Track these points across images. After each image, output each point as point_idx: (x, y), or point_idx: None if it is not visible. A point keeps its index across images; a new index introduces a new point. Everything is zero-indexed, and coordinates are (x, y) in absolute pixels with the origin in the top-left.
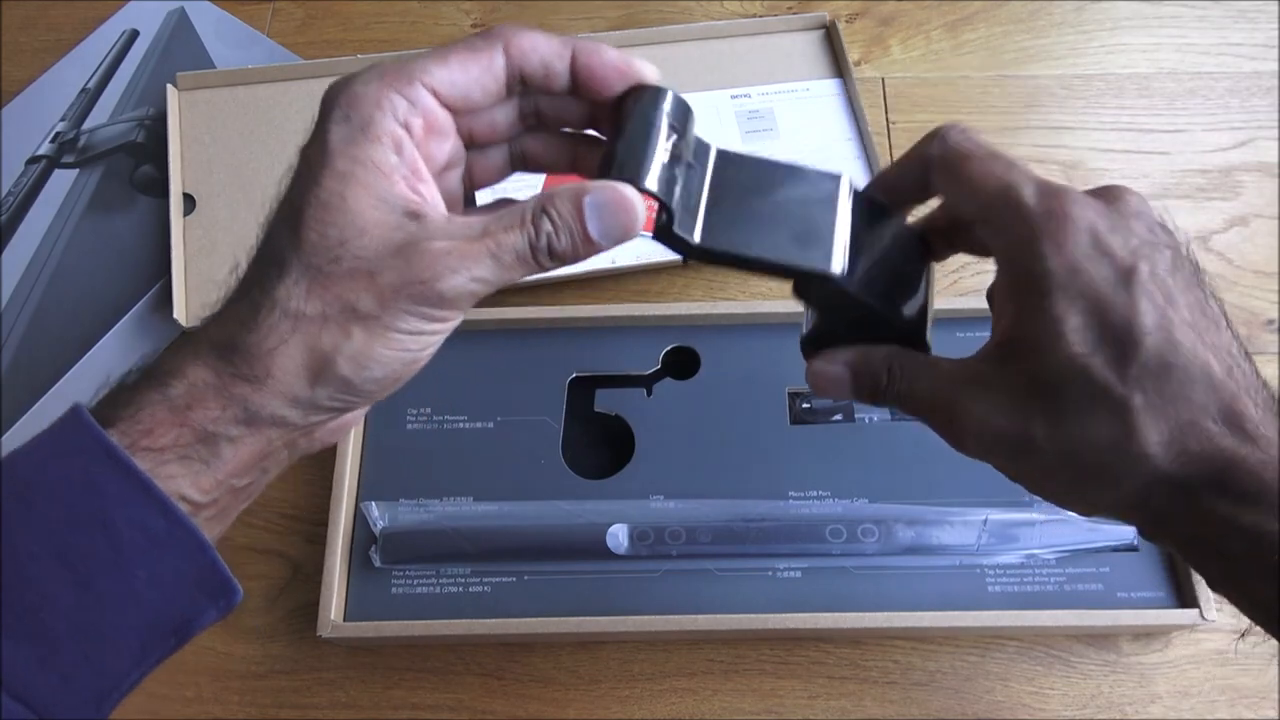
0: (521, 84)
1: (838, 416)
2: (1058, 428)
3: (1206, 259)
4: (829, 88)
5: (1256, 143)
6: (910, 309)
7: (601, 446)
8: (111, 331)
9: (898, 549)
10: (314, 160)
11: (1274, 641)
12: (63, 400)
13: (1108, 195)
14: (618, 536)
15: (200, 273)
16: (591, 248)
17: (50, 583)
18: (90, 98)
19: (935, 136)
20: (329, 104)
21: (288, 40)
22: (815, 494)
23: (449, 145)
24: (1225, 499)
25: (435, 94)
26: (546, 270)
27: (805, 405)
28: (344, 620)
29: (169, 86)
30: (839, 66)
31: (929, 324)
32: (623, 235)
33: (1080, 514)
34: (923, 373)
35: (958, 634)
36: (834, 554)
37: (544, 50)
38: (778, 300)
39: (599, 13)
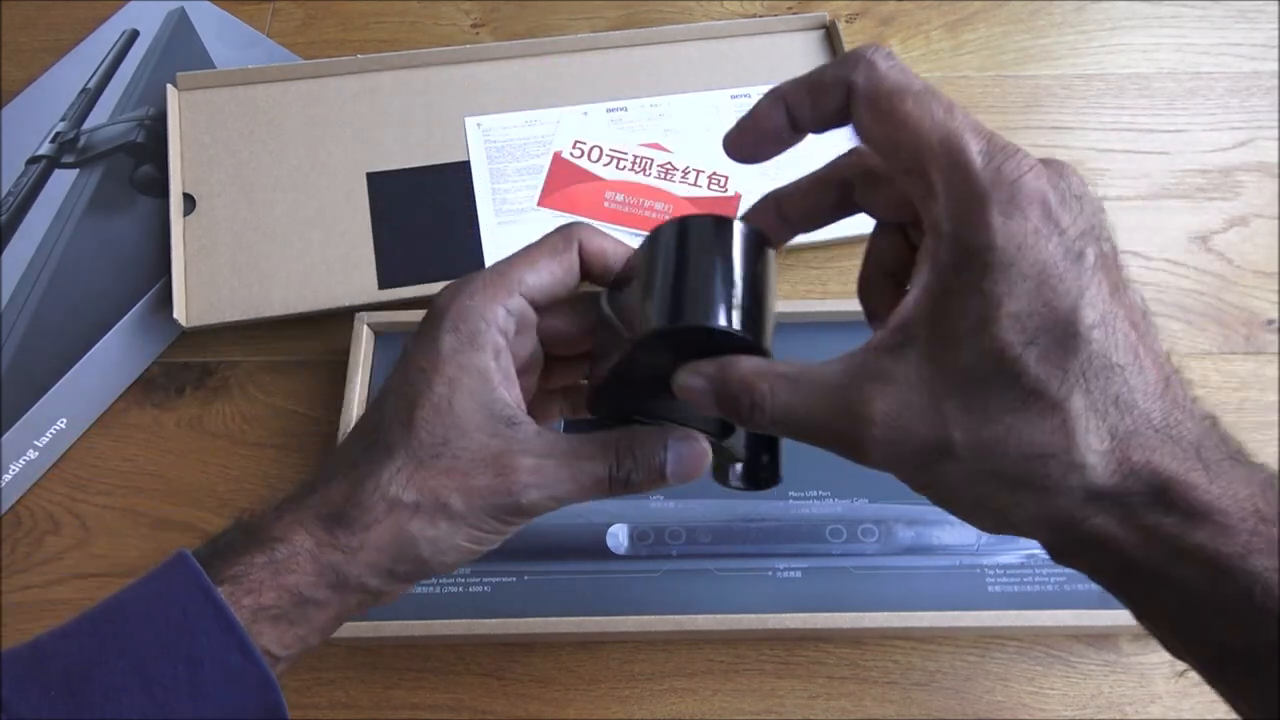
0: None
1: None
2: (982, 429)
3: (1206, 259)
4: None
5: (1256, 143)
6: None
7: None
8: (111, 331)
9: (898, 549)
10: (425, 364)
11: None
12: (63, 400)
13: (1051, 165)
14: (618, 536)
15: (200, 273)
16: (662, 484)
17: (133, 710)
18: (90, 98)
19: (860, 60)
20: (439, 314)
21: (288, 40)
22: (815, 494)
23: (531, 343)
24: (1171, 515)
25: (528, 298)
26: (618, 495)
27: None
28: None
29: (169, 86)
30: None
31: (767, 328)
32: (691, 478)
33: (988, 531)
34: (799, 384)
35: (958, 634)
36: (834, 554)
37: (611, 252)
38: (779, 300)
39: (599, 12)
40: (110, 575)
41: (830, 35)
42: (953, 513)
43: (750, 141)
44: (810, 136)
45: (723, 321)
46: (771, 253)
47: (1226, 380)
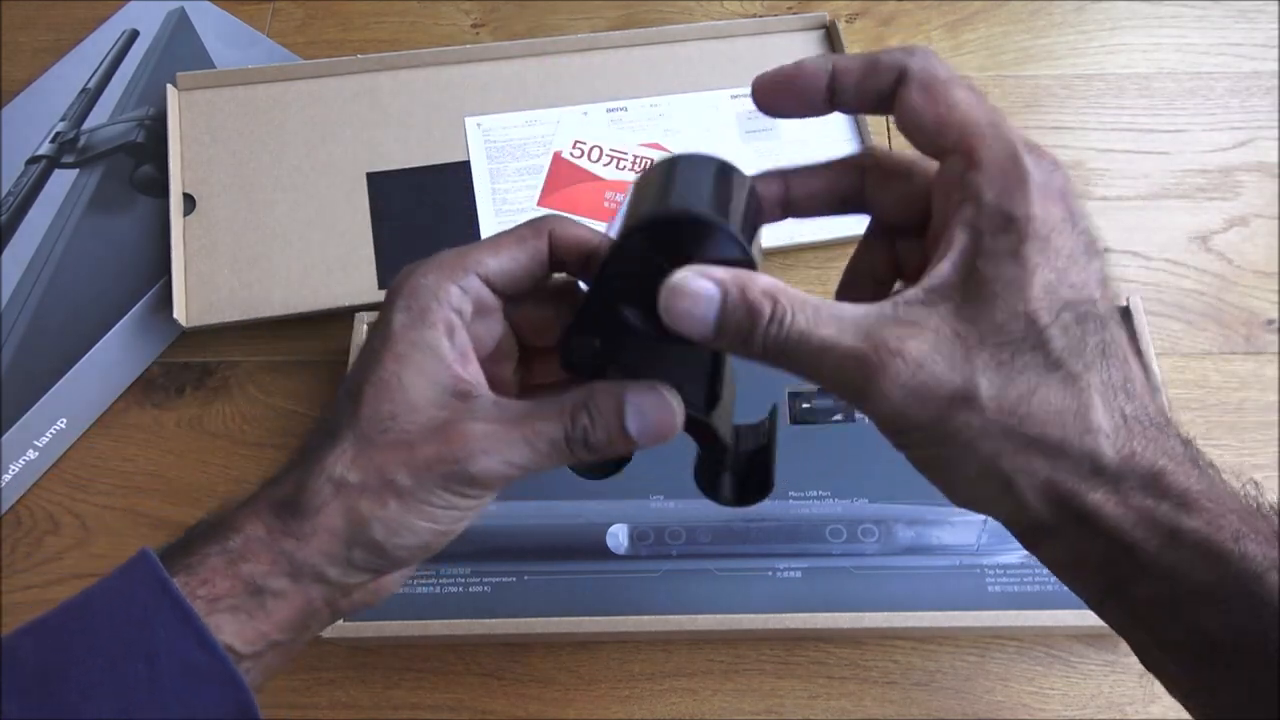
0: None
1: (838, 416)
2: (1008, 386)
3: (1206, 259)
4: None
5: (1256, 143)
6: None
7: None
8: (111, 331)
9: (898, 549)
10: (377, 343)
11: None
12: (63, 400)
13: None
14: (618, 536)
15: (200, 273)
16: (628, 444)
17: (102, 710)
18: (90, 98)
19: (916, 49)
20: (394, 293)
21: (288, 40)
22: (815, 494)
23: (498, 328)
24: (1165, 501)
25: (487, 281)
26: (580, 460)
27: (805, 405)
28: (344, 620)
29: (169, 86)
30: None
31: (760, 263)
32: (661, 436)
33: (971, 505)
34: (825, 311)
35: (958, 634)
36: (834, 554)
37: (586, 240)
38: None
39: (599, 12)
40: None
41: (830, 35)
42: (943, 481)
43: (783, 91)
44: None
45: (720, 219)
46: (763, 209)
47: (1226, 380)
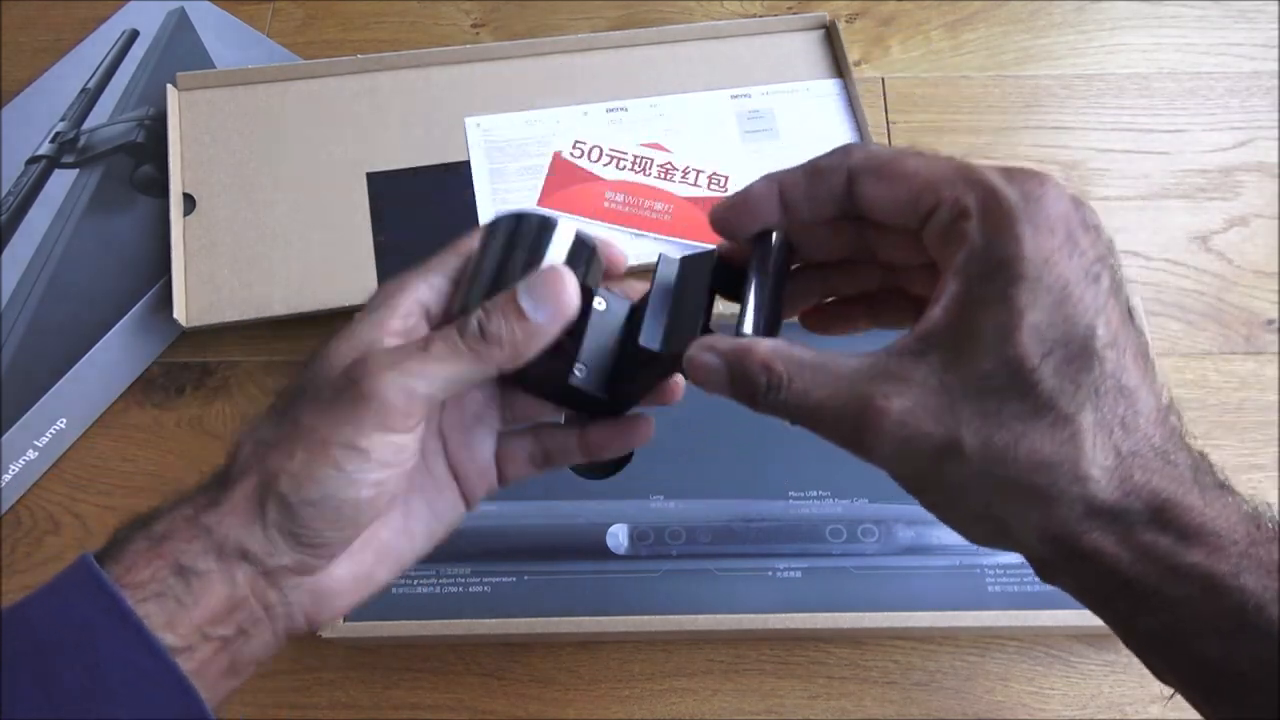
0: None
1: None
2: (993, 435)
3: (1206, 259)
4: (829, 88)
5: (1256, 143)
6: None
7: None
8: (111, 331)
9: (898, 549)
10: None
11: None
12: (63, 400)
13: (1071, 196)
14: (618, 536)
15: (200, 273)
16: (528, 325)
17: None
18: (90, 98)
19: (851, 146)
20: (379, 289)
21: (288, 40)
22: (815, 494)
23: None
24: (1166, 535)
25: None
26: (489, 361)
27: None
28: (344, 620)
29: (169, 86)
30: (839, 66)
31: (762, 319)
32: (558, 304)
33: (981, 543)
34: (818, 372)
35: (958, 634)
36: (834, 554)
37: None
38: None
39: (599, 13)
40: None
41: (830, 35)
42: (948, 521)
43: (737, 216)
44: None
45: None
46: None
47: (1226, 380)
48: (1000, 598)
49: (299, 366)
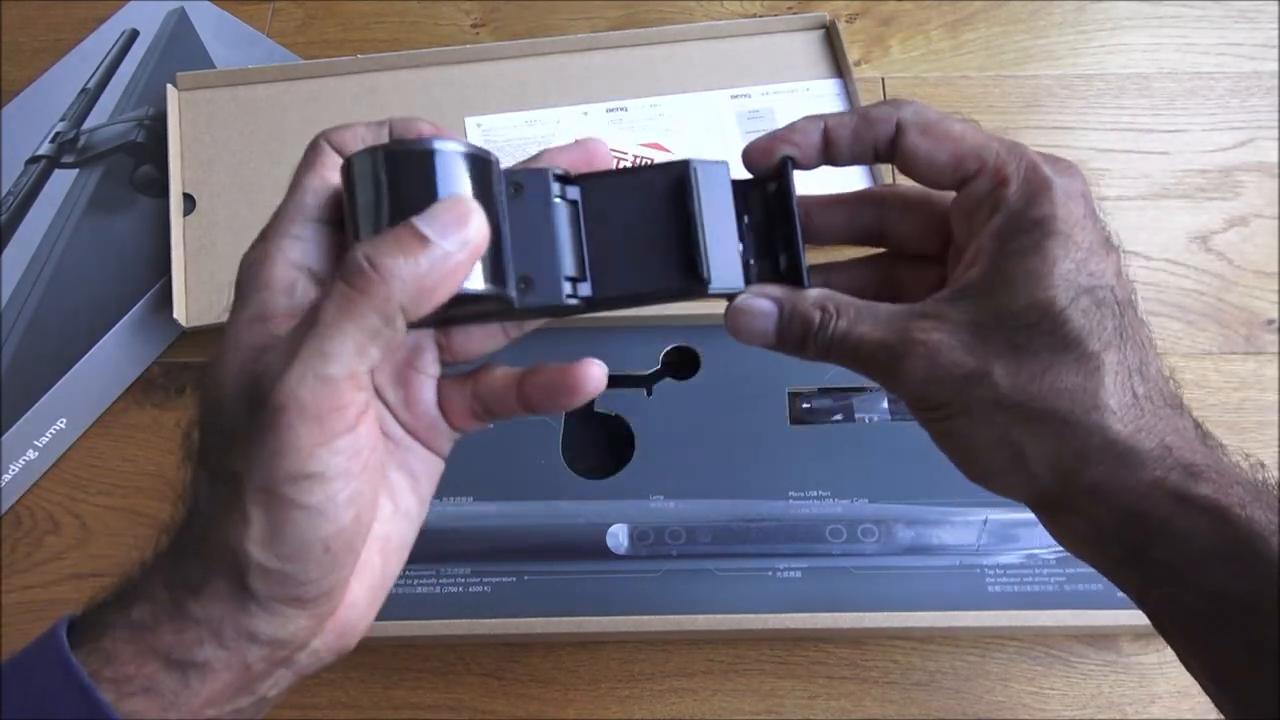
0: None
1: (838, 416)
2: (1021, 365)
3: (1206, 259)
4: (829, 88)
5: (1256, 143)
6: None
7: (601, 446)
8: (111, 331)
9: (898, 549)
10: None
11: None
12: (63, 400)
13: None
14: (618, 536)
15: (200, 273)
16: (429, 249)
17: None
18: (90, 98)
19: (903, 100)
20: (234, 288)
21: (288, 40)
22: (815, 494)
23: None
24: (1175, 472)
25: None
26: (393, 300)
27: (805, 405)
28: None
29: (169, 86)
30: (839, 66)
31: (804, 267)
32: (463, 229)
33: (992, 479)
34: (865, 311)
35: (958, 634)
36: (834, 554)
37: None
38: None
39: (599, 12)
40: (110, 575)
41: (830, 35)
42: (963, 452)
43: (778, 146)
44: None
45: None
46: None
47: (1227, 380)
48: (1000, 598)
49: (196, 395)
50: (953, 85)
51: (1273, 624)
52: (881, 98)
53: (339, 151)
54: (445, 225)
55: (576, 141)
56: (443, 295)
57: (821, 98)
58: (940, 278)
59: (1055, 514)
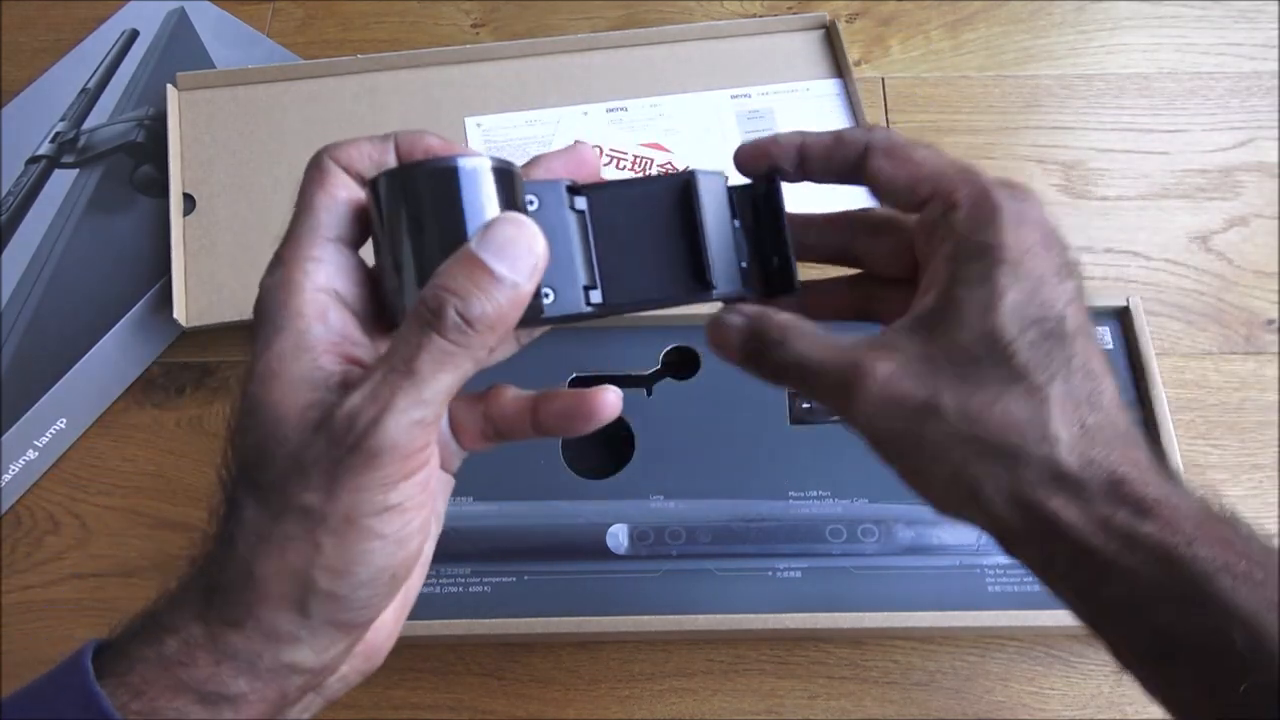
0: None
1: (838, 416)
2: (970, 398)
3: (1206, 259)
4: (829, 88)
5: (1256, 143)
6: (779, 262)
7: (601, 446)
8: (111, 331)
9: (898, 549)
10: (244, 371)
11: None
12: (63, 400)
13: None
14: (618, 536)
15: (200, 273)
16: (510, 292)
17: None
18: (90, 98)
19: (875, 126)
20: (255, 312)
21: (288, 40)
22: (815, 494)
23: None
24: (1123, 508)
25: (344, 238)
26: (483, 349)
27: (805, 405)
28: None
29: (169, 86)
30: (839, 66)
31: (794, 269)
32: (535, 259)
33: (951, 510)
34: (821, 338)
35: (958, 634)
36: (834, 554)
37: (368, 153)
38: None
39: (599, 12)
40: (110, 575)
41: (830, 35)
42: (921, 487)
43: (760, 157)
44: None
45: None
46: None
47: (1227, 380)
48: (1000, 598)
49: (227, 433)
50: (953, 85)
51: (1226, 664)
52: (881, 98)
53: (346, 169)
54: (517, 259)
55: (568, 147)
56: (514, 323)
57: (821, 98)
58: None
59: (1014, 545)
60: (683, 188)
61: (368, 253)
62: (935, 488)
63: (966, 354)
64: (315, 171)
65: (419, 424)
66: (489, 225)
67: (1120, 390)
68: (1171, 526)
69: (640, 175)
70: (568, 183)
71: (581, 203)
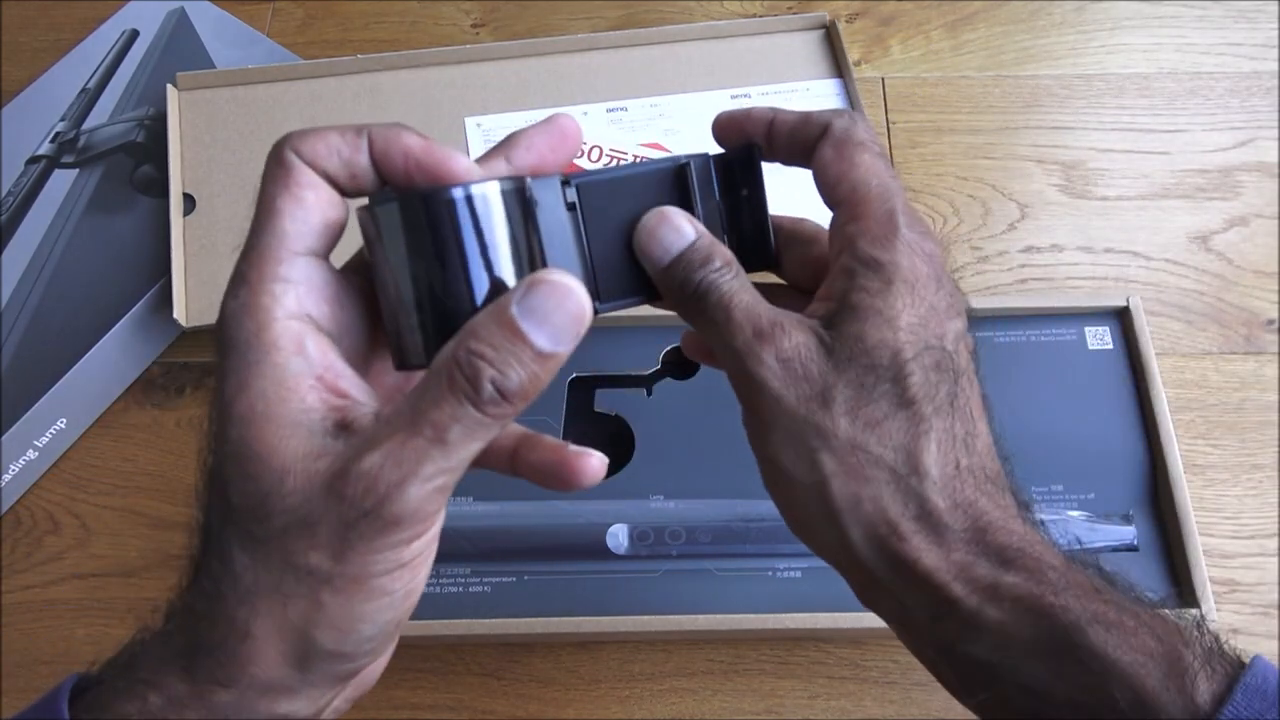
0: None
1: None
2: (862, 408)
3: (1206, 259)
4: (829, 88)
5: (1256, 143)
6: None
7: (601, 446)
8: (111, 331)
9: None
10: (215, 410)
11: (1274, 642)
12: (63, 400)
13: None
14: (618, 536)
15: (200, 273)
16: (550, 363)
17: None
18: (90, 98)
19: (845, 113)
20: (216, 338)
21: (288, 40)
22: None
23: (356, 292)
24: (986, 558)
25: (313, 249)
26: (513, 415)
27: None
28: None
29: (169, 86)
30: (839, 66)
31: (771, 238)
32: (578, 328)
33: (813, 543)
34: (752, 290)
35: None
36: None
37: (337, 145)
38: None
39: (599, 13)
40: (110, 575)
41: (830, 35)
42: (785, 497)
43: (734, 129)
44: None
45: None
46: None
47: (1227, 380)
48: None
49: (204, 474)
50: (953, 85)
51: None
52: (881, 98)
53: (310, 164)
54: (561, 330)
55: (547, 122)
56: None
57: (821, 98)
58: None
59: (870, 593)
60: (675, 176)
61: (341, 255)
62: (797, 499)
63: (868, 360)
64: (277, 168)
65: (441, 489)
66: (531, 287)
67: (994, 438)
68: (1036, 576)
69: (629, 162)
70: (562, 177)
71: (572, 194)
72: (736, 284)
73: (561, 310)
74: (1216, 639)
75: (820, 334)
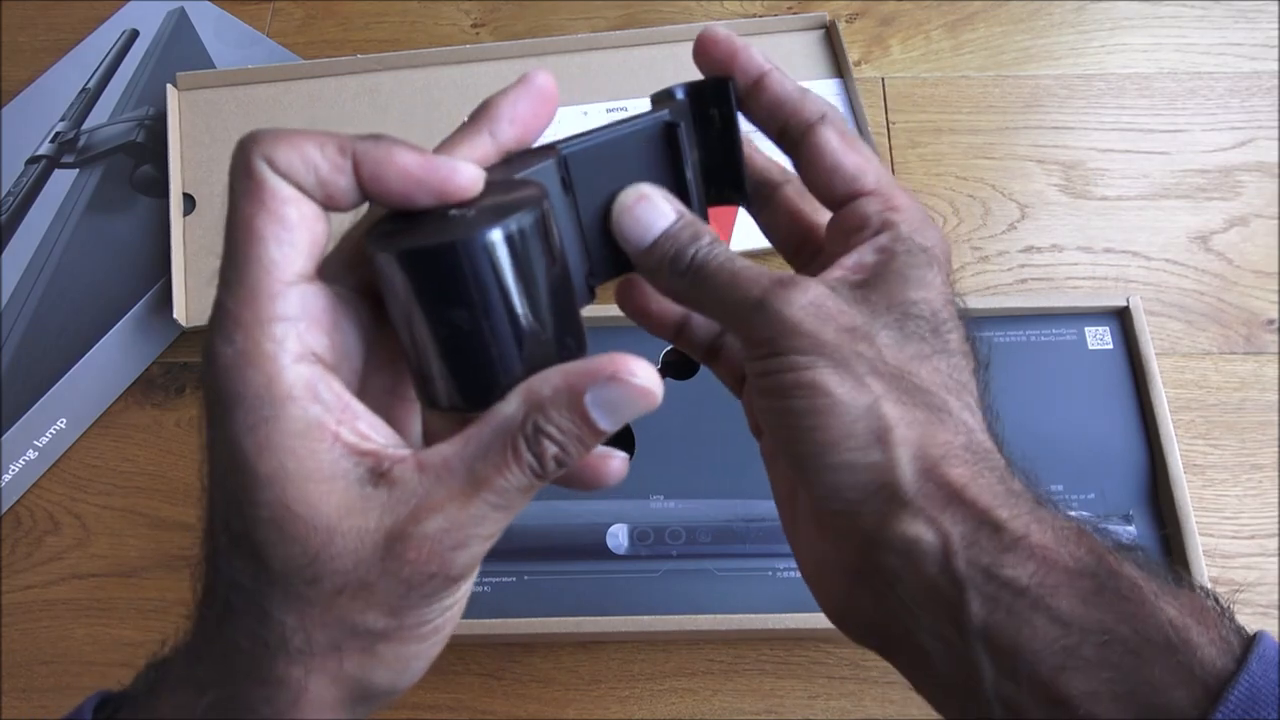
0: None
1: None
2: (907, 343)
3: (1206, 259)
4: (829, 88)
5: (1256, 143)
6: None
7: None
8: (111, 331)
9: None
10: (231, 471)
11: None
12: (63, 400)
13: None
14: (618, 536)
15: (200, 273)
16: (598, 434)
17: None
18: (90, 98)
19: (827, 104)
20: (206, 391)
21: (288, 40)
22: None
23: (355, 314)
24: (1030, 493)
25: (305, 275)
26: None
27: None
28: None
29: (169, 86)
30: (839, 66)
31: (744, 171)
32: (640, 414)
33: (839, 462)
34: (743, 258)
35: None
36: None
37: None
38: None
39: (599, 13)
40: (110, 575)
41: (830, 35)
42: (817, 418)
43: (720, 63)
44: None
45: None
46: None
47: (1226, 380)
48: None
49: (226, 534)
50: (953, 85)
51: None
52: (881, 98)
53: (284, 175)
54: (624, 418)
55: (523, 84)
56: None
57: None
58: None
59: (893, 521)
60: (666, 139)
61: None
62: (836, 419)
63: (909, 309)
64: (248, 182)
65: (492, 539)
66: (610, 383)
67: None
68: (1044, 565)
69: (613, 122)
70: (555, 158)
71: (563, 170)
72: (731, 253)
73: (635, 408)
74: (1228, 608)
75: (846, 290)
